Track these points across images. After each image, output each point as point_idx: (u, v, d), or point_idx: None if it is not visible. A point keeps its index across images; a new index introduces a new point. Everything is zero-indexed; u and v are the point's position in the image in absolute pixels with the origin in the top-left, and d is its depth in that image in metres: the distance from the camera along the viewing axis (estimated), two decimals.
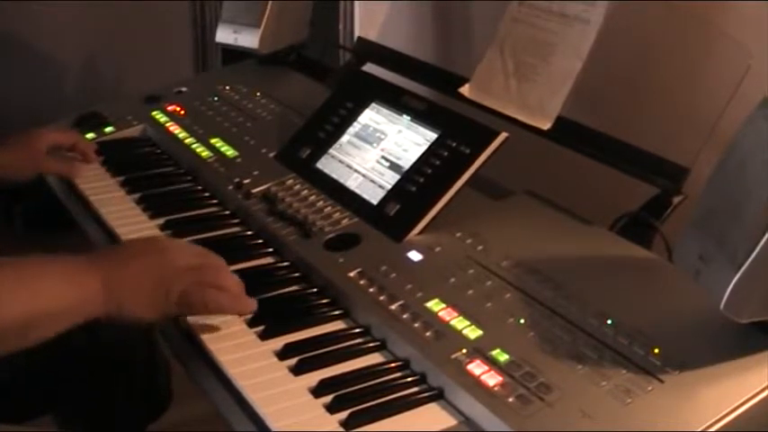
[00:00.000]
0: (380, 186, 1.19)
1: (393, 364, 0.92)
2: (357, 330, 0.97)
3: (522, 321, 0.92)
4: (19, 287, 0.87)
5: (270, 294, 1.05)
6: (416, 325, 0.94)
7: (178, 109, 1.62)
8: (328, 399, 0.86)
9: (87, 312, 0.90)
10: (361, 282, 1.02)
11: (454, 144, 1.16)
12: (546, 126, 1.25)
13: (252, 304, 0.98)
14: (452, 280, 1.01)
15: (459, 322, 0.93)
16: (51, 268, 0.92)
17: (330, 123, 1.34)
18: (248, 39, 1.70)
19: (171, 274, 0.94)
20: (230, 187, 1.31)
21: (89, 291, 0.90)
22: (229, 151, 1.42)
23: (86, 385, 1.27)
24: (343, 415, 0.83)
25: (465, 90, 1.38)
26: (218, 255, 1.02)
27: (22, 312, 0.86)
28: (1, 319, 0.85)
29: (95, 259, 0.94)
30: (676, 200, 1.12)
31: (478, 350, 0.88)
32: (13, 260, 0.90)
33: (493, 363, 0.86)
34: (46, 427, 1.37)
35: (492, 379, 0.84)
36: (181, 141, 1.49)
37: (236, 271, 1.10)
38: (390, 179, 1.19)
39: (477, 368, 0.86)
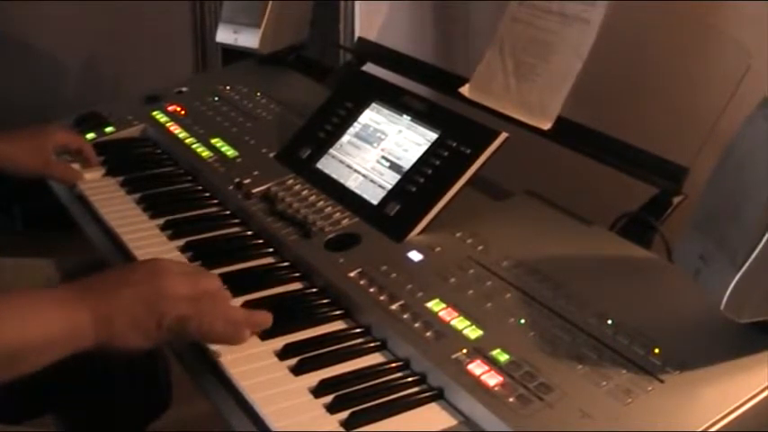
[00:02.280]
0: (380, 186, 1.19)
1: (393, 364, 0.92)
2: (357, 330, 0.97)
3: (522, 321, 0.92)
4: (5, 317, 0.85)
5: (270, 294, 1.05)
6: (417, 325, 0.94)
7: (178, 109, 1.62)
8: (328, 399, 0.86)
9: (76, 343, 0.88)
10: (362, 282, 1.03)
11: (454, 144, 1.16)
12: (546, 126, 1.25)
13: (246, 335, 0.94)
14: (452, 280, 1.01)
15: (459, 322, 0.93)
16: (40, 299, 0.90)
17: (330, 123, 1.34)
18: (248, 39, 1.70)
19: (165, 302, 0.90)
20: (230, 187, 1.31)
21: (78, 322, 0.88)
22: (229, 151, 1.42)
23: (86, 385, 1.27)
24: (344, 415, 0.83)
25: (465, 90, 1.38)
26: (212, 275, 0.99)
27: (7, 343, 0.84)
28: None
29: (85, 289, 0.91)
30: (676, 200, 1.12)
31: (478, 350, 0.88)
32: (1, 294, 0.89)
33: (493, 363, 0.87)
34: (46, 428, 1.37)
35: (492, 379, 0.84)
36: (181, 141, 1.49)
37: (237, 271, 1.10)
38: (390, 179, 1.19)
39: (477, 368, 0.86)
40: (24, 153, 1.36)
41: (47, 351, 0.87)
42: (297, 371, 0.90)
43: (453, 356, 0.88)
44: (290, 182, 1.28)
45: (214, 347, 0.93)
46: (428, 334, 0.92)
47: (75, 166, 1.42)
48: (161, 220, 1.24)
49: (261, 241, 1.19)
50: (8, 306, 0.87)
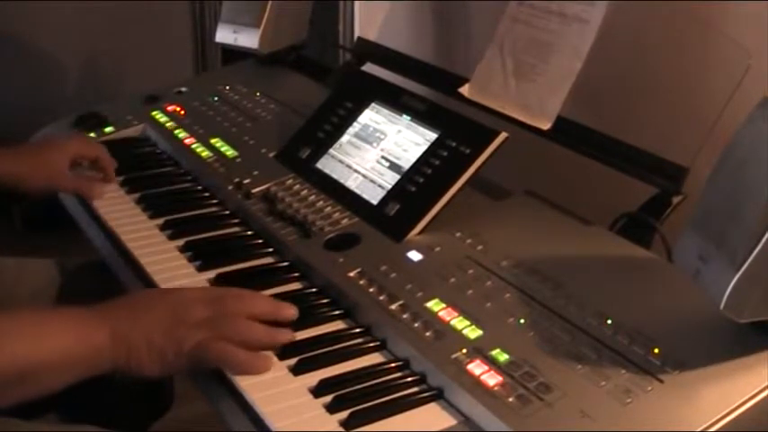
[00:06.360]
0: (380, 186, 1.19)
1: (393, 364, 0.92)
2: (357, 330, 0.97)
3: (521, 321, 0.92)
4: (21, 337, 0.85)
5: (270, 294, 1.04)
6: (416, 325, 0.94)
7: (178, 109, 1.62)
8: (328, 399, 0.86)
9: (94, 366, 0.88)
10: (361, 282, 1.02)
11: (454, 144, 1.16)
12: (546, 126, 1.25)
13: (267, 364, 0.90)
14: (452, 280, 1.01)
15: (459, 322, 0.93)
16: (58, 320, 0.89)
17: (330, 123, 1.34)
18: (248, 39, 1.70)
19: (183, 329, 0.90)
20: (230, 187, 1.31)
21: (96, 345, 0.88)
22: (229, 151, 1.42)
23: (88, 385, 1.27)
24: (343, 415, 0.83)
25: (465, 90, 1.38)
26: (238, 295, 0.96)
27: (22, 363, 0.84)
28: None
29: (105, 312, 0.91)
30: (676, 200, 1.12)
31: (478, 350, 0.88)
32: (20, 310, 0.88)
33: (493, 363, 0.86)
34: (47, 426, 1.37)
35: (492, 379, 0.84)
36: (180, 141, 1.49)
37: (236, 271, 1.10)
38: (390, 179, 1.19)
39: (477, 368, 0.86)
40: (34, 173, 1.31)
41: (62, 371, 0.86)
42: (296, 371, 0.90)
43: (453, 356, 0.88)
44: (290, 182, 1.28)
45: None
46: (428, 334, 0.92)
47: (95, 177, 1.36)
48: (161, 220, 1.24)
49: (260, 241, 1.19)
50: (22, 322, 0.86)
